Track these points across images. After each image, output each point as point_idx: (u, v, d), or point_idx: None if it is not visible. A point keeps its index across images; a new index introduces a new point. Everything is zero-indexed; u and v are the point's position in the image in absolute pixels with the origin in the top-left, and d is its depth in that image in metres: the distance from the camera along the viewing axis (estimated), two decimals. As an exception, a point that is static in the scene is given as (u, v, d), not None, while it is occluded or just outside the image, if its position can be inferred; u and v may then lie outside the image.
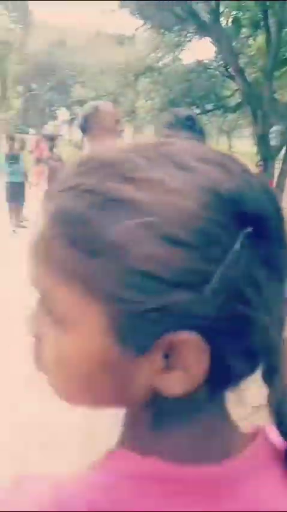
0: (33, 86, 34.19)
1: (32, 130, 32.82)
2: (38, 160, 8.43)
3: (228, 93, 13.79)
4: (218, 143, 49.92)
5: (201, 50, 20.91)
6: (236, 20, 8.16)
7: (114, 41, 15.98)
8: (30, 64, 30.51)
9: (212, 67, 13.61)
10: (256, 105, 7.85)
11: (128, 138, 22.38)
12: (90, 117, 2.24)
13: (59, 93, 34.26)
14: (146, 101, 21.89)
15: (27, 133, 25.19)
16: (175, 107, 15.71)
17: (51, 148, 7.48)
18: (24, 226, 6.85)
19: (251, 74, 8.24)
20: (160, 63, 16.02)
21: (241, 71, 7.90)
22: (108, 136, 2.32)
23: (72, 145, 27.35)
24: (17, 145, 7.39)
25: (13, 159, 6.94)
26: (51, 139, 7.48)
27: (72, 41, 30.83)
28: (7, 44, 20.97)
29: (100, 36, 18.77)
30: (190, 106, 15.11)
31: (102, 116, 2.24)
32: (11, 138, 7.16)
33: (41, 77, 32.58)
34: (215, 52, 14.18)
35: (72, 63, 28.70)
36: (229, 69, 12.03)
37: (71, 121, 44.92)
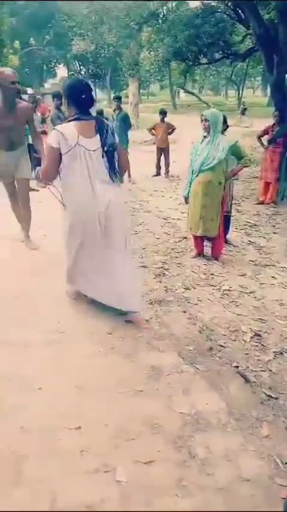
0: (32, 41, 32.61)
1: (29, 90, 31.56)
2: (43, 120, 8.17)
3: (238, 39, 13.02)
4: (227, 95, 47.92)
5: (207, -8, 19.53)
6: None
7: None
8: (24, 16, 28.89)
9: (219, 10, 12.75)
10: (271, 49, 7.37)
11: (133, 92, 21.25)
12: None
13: (58, 49, 32.71)
14: (149, 52, 20.77)
15: (25, 92, 24.17)
16: (180, 57, 14.89)
17: (58, 107, 7.19)
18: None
19: (264, 15, 7.67)
20: (164, 9, 15.02)
21: (255, 10, 7.34)
22: None
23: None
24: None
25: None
26: (60, 97, 7.14)
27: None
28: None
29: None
30: (196, 55, 14.31)
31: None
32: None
33: (37, 30, 30.98)
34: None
35: (71, 13, 27.12)
36: (238, 12, 11.26)
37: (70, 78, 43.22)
